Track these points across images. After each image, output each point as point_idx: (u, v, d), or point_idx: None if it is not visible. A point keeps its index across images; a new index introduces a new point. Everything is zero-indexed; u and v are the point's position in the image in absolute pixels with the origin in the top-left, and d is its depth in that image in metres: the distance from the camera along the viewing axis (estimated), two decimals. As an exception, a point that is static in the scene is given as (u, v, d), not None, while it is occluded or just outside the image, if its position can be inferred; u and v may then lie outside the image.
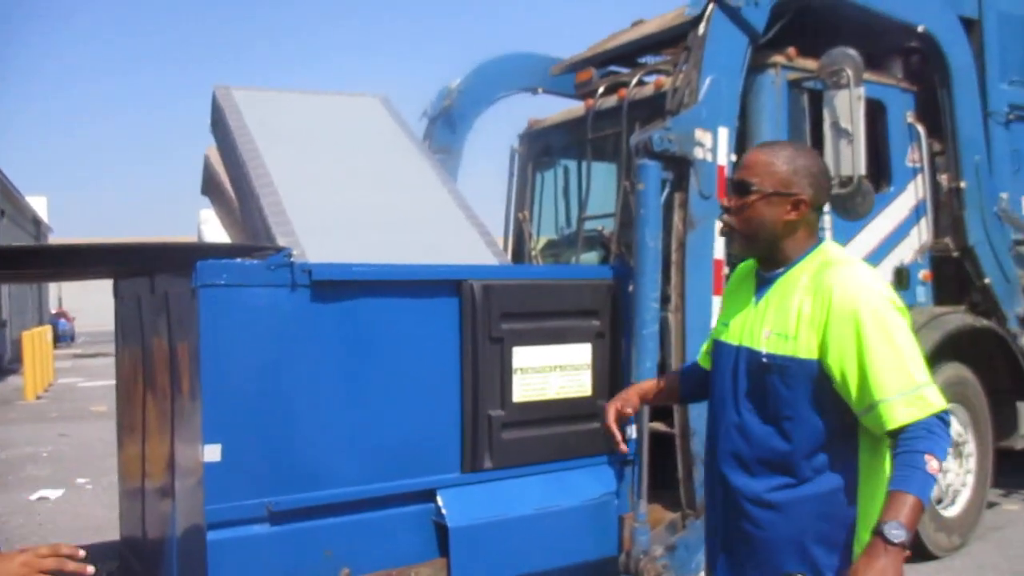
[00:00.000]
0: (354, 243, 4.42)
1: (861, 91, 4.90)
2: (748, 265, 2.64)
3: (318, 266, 3.77)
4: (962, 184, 5.95)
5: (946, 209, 6.08)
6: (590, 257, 6.01)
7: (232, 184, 5.20)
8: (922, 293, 5.85)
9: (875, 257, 5.55)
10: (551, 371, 4.23)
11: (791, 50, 5.23)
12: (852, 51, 4.95)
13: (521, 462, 4.16)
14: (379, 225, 4.65)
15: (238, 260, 3.73)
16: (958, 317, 5.84)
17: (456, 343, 4.03)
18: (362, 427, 3.82)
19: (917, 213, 5.86)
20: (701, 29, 4.66)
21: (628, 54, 6.51)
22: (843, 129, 4.92)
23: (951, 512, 5.80)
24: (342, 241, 4.41)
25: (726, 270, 4.61)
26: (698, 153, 4.47)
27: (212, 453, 3.52)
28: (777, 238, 2.41)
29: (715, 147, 4.54)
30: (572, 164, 6.68)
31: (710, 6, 4.67)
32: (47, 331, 19.22)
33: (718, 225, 4.48)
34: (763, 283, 2.50)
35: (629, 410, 2.86)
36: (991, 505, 6.74)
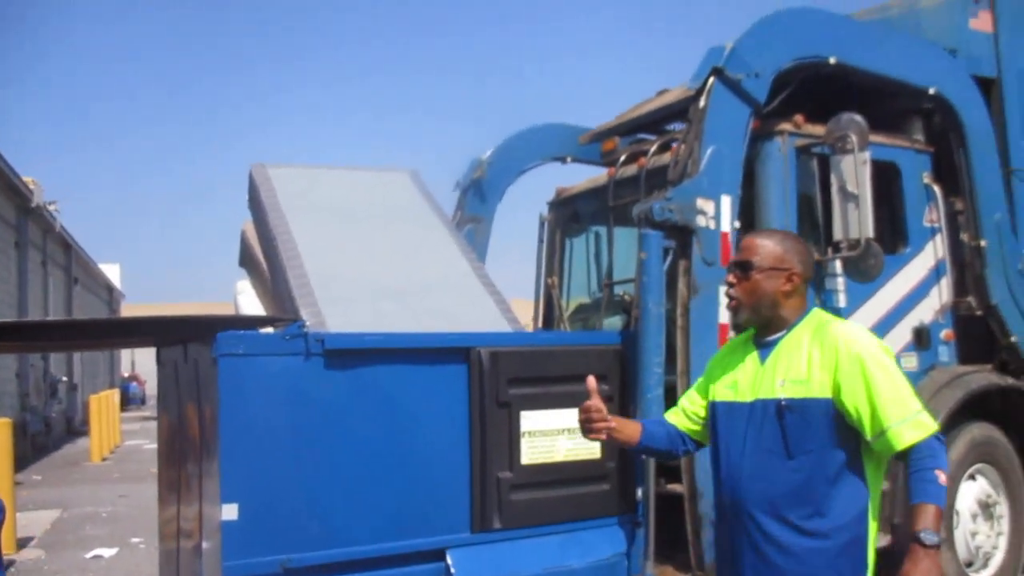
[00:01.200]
0: (374, 312, 4.63)
1: (866, 156, 5.02)
2: (738, 339, 3.14)
3: (331, 336, 4.00)
4: (982, 243, 5.98)
5: (969, 268, 6.11)
6: (614, 321, 6.16)
7: (264, 257, 5.48)
8: (944, 352, 5.84)
9: (892, 318, 5.59)
10: (559, 434, 4.36)
11: (799, 117, 5.36)
12: (857, 117, 5.08)
13: (530, 523, 4.29)
14: (399, 295, 4.86)
15: (256, 331, 3.99)
16: (982, 376, 5.82)
17: (465, 407, 4.19)
18: (374, 488, 3.99)
19: (936, 273, 5.89)
20: (702, 102, 4.83)
21: (653, 123, 6.71)
22: (850, 193, 5.04)
23: (983, 575, 5.73)
24: (362, 311, 4.63)
25: (731, 334, 4.72)
26: (700, 221, 4.61)
27: (229, 512, 3.72)
28: (776, 306, 2.90)
29: (718, 215, 4.69)
30: (599, 230, 6.87)
31: (711, 79, 4.85)
32: (114, 394, 19.84)
33: (722, 291, 4.65)
34: (765, 347, 2.95)
35: (613, 425, 3.04)
36: (1033, 567, 6.64)
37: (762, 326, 2.97)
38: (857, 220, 4.99)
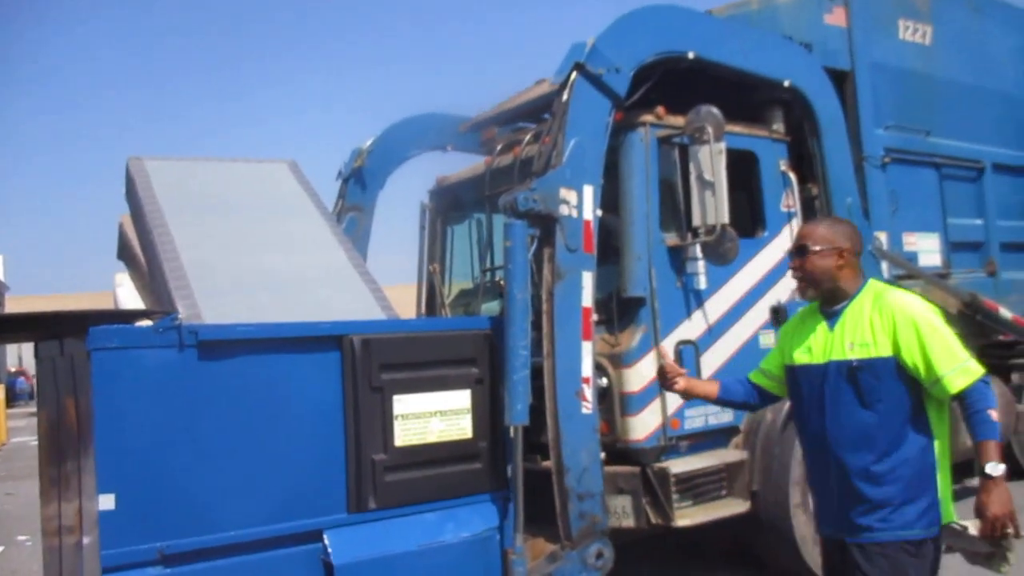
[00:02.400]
0: (250, 304, 4.72)
1: (722, 146, 5.31)
2: (805, 311, 3.65)
3: (204, 327, 4.10)
4: (834, 226, 6.36)
5: (824, 249, 6.48)
6: (492, 306, 6.37)
7: (142, 250, 5.51)
8: (800, 329, 6.20)
9: (751, 297, 5.92)
10: (432, 416, 4.55)
11: (660, 109, 5.63)
12: (714, 109, 5.37)
13: (405, 502, 4.46)
14: (276, 286, 4.96)
15: (129, 324, 4.07)
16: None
17: (339, 393, 4.34)
18: (251, 474, 4.11)
19: (793, 255, 6.24)
20: (564, 96, 5.04)
21: (531, 112, 6.91)
22: (707, 181, 5.33)
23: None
24: (239, 302, 4.71)
25: (595, 316, 4.97)
26: (564, 210, 4.83)
27: (107, 502, 3.80)
28: (835, 279, 3.42)
29: (580, 204, 4.91)
30: (479, 217, 7.06)
31: (573, 74, 5.07)
32: (-1, 390, 19.24)
33: (585, 276, 4.90)
34: (832, 316, 3.46)
35: (682, 371, 3.91)
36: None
37: (826, 299, 3.47)
38: (713, 207, 5.28)
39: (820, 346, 3.44)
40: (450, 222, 7.41)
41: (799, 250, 3.48)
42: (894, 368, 3.25)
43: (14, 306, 36.77)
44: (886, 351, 3.25)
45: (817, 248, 3.41)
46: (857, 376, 3.29)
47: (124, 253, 6.14)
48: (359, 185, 7.15)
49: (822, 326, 3.46)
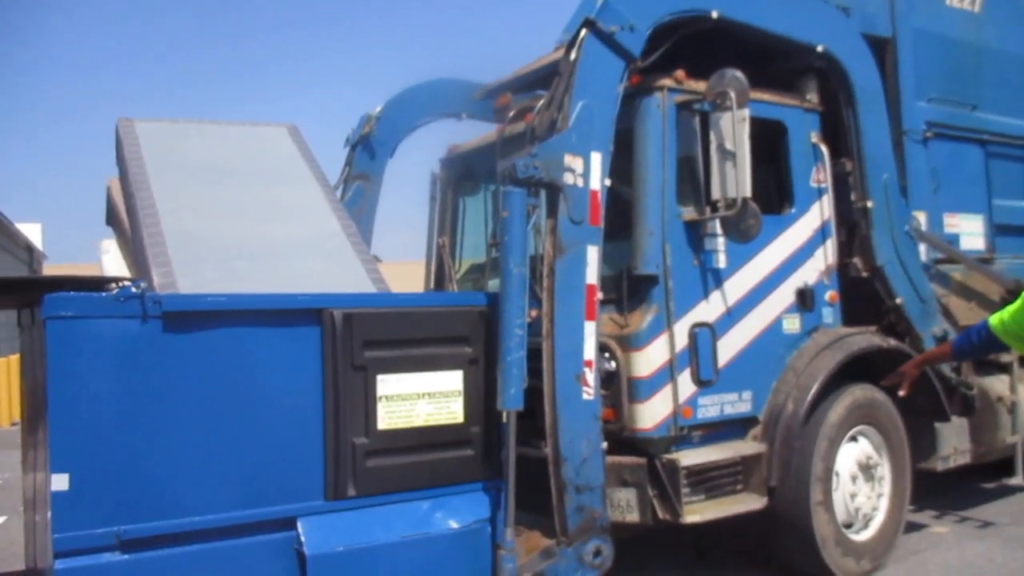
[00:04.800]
0: (231, 273, 4.43)
1: (745, 113, 4.90)
2: None
3: (169, 297, 3.81)
4: (869, 204, 5.93)
5: (857, 230, 6.06)
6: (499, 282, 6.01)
7: (127, 215, 5.24)
8: (828, 314, 5.79)
9: (775, 279, 5.51)
10: (419, 398, 4.23)
11: (679, 72, 5.22)
12: (738, 73, 4.96)
13: (388, 489, 4.16)
14: (261, 255, 4.66)
15: (87, 292, 3.77)
16: (864, 338, 5.79)
17: (318, 371, 4.03)
18: (219, 455, 3.83)
19: (822, 234, 5.82)
20: (573, 54, 4.66)
21: (547, 77, 6.51)
22: (728, 151, 4.92)
23: (862, 536, 5.70)
24: (219, 271, 4.42)
25: (601, 295, 4.60)
26: (568, 179, 4.46)
27: (60, 482, 3.57)
28: None
29: (587, 172, 4.53)
30: (492, 188, 6.71)
31: (583, 31, 4.68)
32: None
33: (591, 250, 4.53)
34: None
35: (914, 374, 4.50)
36: (920, 528, 6.70)
37: None
38: (735, 179, 4.88)
39: None
40: (462, 193, 7.06)
41: None
42: None
43: (51, 274, 37.08)
44: None
45: None
46: None
47: (111, 218, 5.88)
48: (367, 152, 6.81)
49: None
